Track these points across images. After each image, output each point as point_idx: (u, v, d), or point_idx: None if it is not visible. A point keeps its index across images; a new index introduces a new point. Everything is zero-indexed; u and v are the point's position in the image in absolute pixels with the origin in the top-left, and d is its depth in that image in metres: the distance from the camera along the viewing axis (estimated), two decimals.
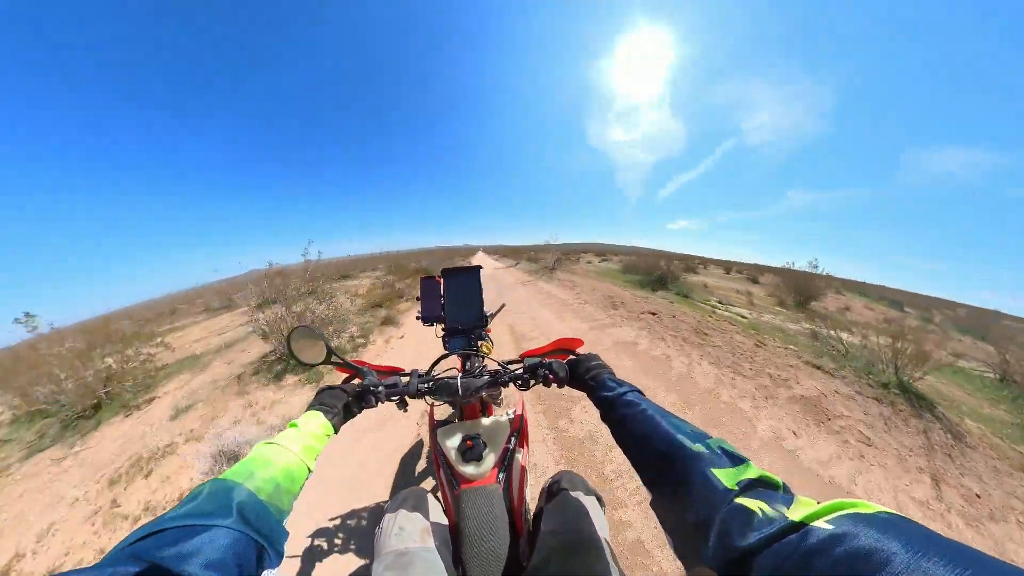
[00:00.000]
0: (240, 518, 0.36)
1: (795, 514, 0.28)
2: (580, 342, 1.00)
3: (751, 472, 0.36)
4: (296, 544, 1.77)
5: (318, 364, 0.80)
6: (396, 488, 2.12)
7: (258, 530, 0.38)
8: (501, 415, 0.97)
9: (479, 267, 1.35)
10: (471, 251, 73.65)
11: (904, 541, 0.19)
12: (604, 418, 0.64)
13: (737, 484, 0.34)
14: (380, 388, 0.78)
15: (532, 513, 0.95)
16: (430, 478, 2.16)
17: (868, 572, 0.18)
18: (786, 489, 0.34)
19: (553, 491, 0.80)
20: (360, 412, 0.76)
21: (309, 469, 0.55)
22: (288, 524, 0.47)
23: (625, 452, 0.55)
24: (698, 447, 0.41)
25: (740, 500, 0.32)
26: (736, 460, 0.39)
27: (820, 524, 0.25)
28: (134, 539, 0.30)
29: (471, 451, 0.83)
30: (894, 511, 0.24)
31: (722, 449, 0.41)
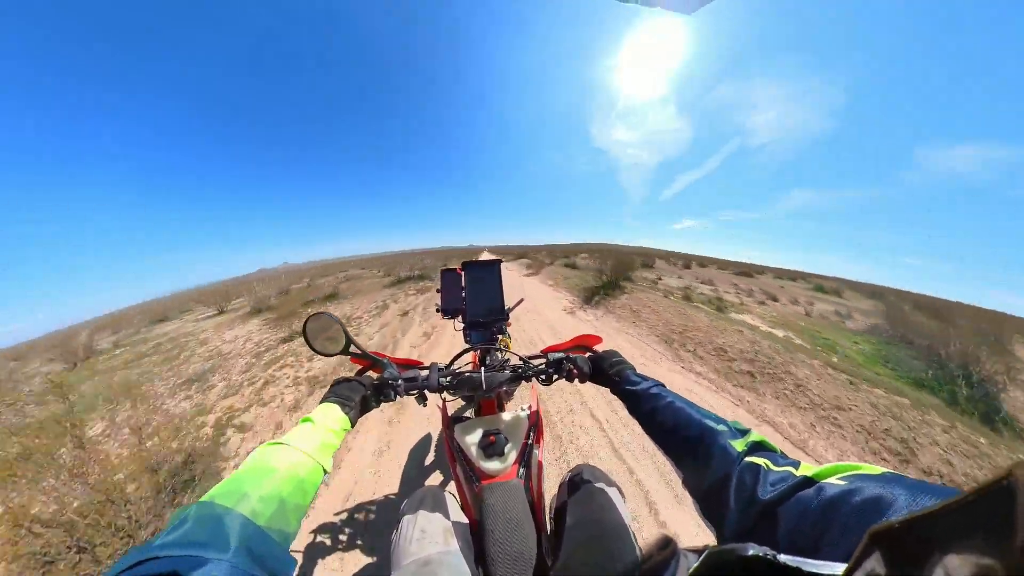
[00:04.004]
0: (239, 551, 0.32)
1: (805, 473, 0.32)
2: (599, 339, 1.00)
3: (754, 437, 0.45)
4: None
5: (336, 354, 0.77)
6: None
7: (261, 564, 0.33)
8: (518, 410, 0.96)
9: (500, 260, 1.34)
10: (476, 251, 73.62)
11: (904, 488, 0.24)
12: (631, 411, 0.67)
13: (745, 447, 0.43)
14: (399, 381, 0.76)
15: (550, 508, 0.94)
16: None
17: (881, 512, 0.23)
18: (783, 454, 0.41)
19: (575, 484, 0.80)
20: (378, 406, 0.74)
21: (325, 470, 0.50)
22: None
23: (655, 440, 0.59)
24: (721, 427, 0.48)
25: (748, 459, 0.40)
26: (744, 432, 0.47)
27: (833, 481, 0.29)
28: (127, 565, 0.27)
29: (493, 446, 0.81)
30: (893, 471, 0.28)
31: (735, 427, 0.48)
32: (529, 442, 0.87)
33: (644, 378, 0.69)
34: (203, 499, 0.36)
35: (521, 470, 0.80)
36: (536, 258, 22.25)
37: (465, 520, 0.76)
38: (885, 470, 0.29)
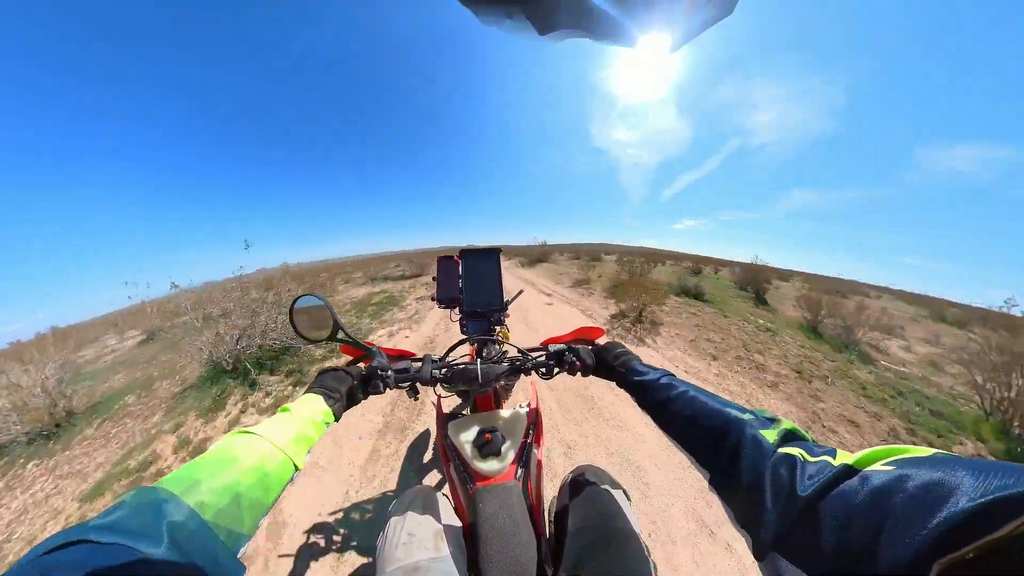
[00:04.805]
0: (172, 547, 0.28)
1: (844, 461, 0.29)
2: (601, 331, 0.95)
3: (785, 425, 0.40)
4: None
5: (323, 340, 0.73)
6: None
7: (198, 567, 0.29)
8: (517, 406, 0.91)
9: (499, 248, 1.29)
10: None
11: (967, 469, 0.20)
12: (641, 404, 0.63)
13: (778, 436, 0.38)
14: (390, 373, 0.72)
15: (550, 511, 0.89)
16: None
17: (943, 498, 0.19)
18: (816, 442, 0.38)
19: (578, 485, 0.75)
20: (366, 398, 0.70)
21: (296, 466, 0.45)
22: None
23: (670, 434, 0.53)
24: (747, 416, 0.43)
25: (782, 450, 0.36)
26: (773, 420, 0.42)
27: (878, 467, 0.25)
28: (52, 546, 0.25)
29: (489, 445, 0.76)
30: (946, 452, 0.25)
31: (762, 415, 0.44)
32: (528, 441, 0.83)
33: (652, 368, 0.65)
34: (150, 484, 0.33)
35: (519, 471, 0.76)
36: (558, 261, 13.15)
37: (458, 523, 0.71)
38: (936, 451, 0.25)
